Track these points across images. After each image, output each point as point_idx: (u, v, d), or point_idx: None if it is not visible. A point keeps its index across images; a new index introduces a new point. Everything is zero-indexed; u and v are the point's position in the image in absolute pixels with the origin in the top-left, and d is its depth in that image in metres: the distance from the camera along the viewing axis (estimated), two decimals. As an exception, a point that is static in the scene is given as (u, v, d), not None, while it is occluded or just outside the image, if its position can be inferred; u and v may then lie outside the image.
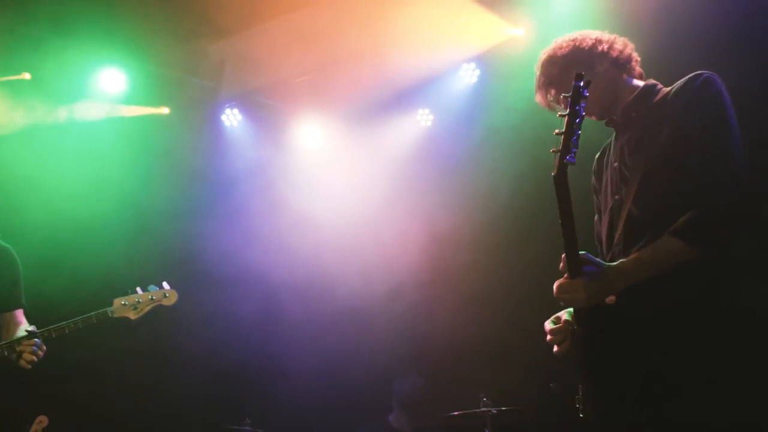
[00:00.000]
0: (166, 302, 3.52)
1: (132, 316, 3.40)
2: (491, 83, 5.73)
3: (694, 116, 1.92)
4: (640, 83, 2.20)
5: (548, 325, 2.14)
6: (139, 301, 3.42)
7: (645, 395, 1.84)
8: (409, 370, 5.28)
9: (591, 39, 2.18)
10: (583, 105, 1.82)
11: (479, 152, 5.61)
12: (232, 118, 6.37)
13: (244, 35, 5.58)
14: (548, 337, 2.12)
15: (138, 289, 3.47)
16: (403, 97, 6.08)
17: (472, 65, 5.82)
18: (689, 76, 2.02)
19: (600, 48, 2.16)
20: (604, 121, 2.24)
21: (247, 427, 4.98)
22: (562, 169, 1.83)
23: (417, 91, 6.06)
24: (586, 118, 1.91)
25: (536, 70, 2.27)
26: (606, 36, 2.21)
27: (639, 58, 2.24)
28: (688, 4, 4.25)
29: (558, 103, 2.19)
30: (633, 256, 1.91)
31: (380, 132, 6.27)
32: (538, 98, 2.28)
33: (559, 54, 2.19)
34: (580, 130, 1.81)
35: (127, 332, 3.82)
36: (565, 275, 1.91)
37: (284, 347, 5.54)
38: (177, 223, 5.60)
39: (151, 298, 3.45)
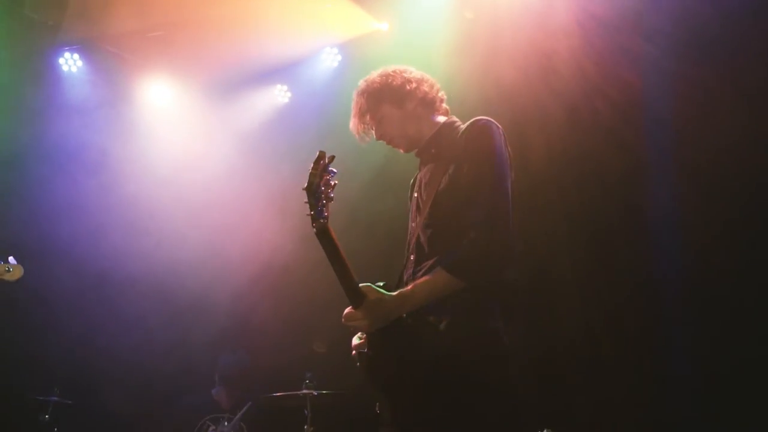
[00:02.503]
0: (8, 277, 3.26)
1: None
2: (352, 70, 5.76)
3: (467, 160, 2.17)
4: (443, 120, 2.41)
5: (355, 340, 2.32)
6: None
7: (425, 404, 2.07)
8: (237, 346, 5.23)
9: (401, 78, 2.38)
10: (328, 178, 2.05)
11: (332, 135, 5.62)
12: (71, 62, 5.85)
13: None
14: (353, 352, 2.30)
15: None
16: (261, 70, 5.95)
17: (335, 50, 5.83)
18: (471, 121, 2.27)
19: (408, 87, 2.36)
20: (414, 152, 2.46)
21: (54, 397, 4.68)
22: (320, 226, 2.03)
23: (277, 66, 5.96)
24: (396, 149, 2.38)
25: (354, 98, 2.44)
26: (414, 75, 2.41)
27: (444, 97, 2.46)
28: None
29: (371, 128, 2.40)
30: (411, 286, 2.12)
31: (234, 101, 6.11)
32: (353, 124, 2.43)
33: (372, 88, 2.38)
34: (331, 194, 2.05)
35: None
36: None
37: (105, 318, 5.27)
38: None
39: None
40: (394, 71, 2.41)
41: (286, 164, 5.60)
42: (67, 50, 5.80)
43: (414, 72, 2.42)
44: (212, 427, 4.80)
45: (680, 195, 3.85)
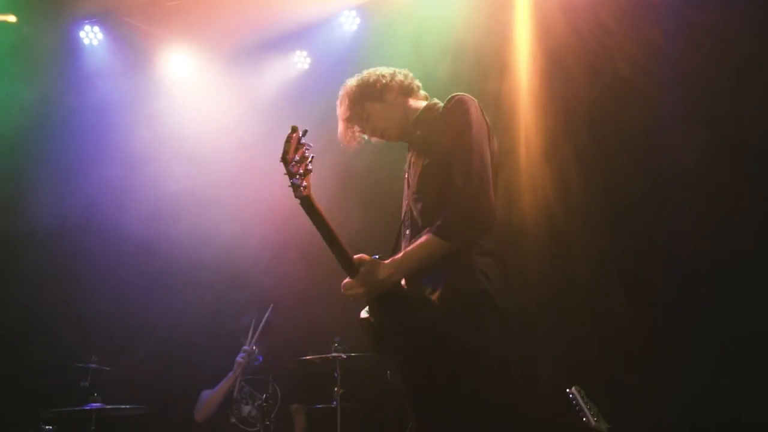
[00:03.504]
0: None
1: None
2: (370, 33, 5.71)
3: (446, 135, 2.32)
4: (423, 104, 2.57)
5: (363, 314, 2.42)
6: None
7: (430, 366, 2.19)
8: (250, 307, 5.33)
9: (375, 75, 2.57)
10: (303, 151, 2.15)
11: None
12: (91, 36, 5.89)
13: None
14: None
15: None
16: (280, 36, 5.92)
17: (353, 13, 5.77)
18: (448, 98, 2.41)
19: (384, 81, 2.54)
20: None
21: (93, 365, 4.85)
22: (301, 197, 2.12)
23: (296, 32, 5.93)
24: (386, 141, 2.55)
25: (338, 108, 2.62)
26: (387, 70, 2.59)
27: (420, 84, 2.61)
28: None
29: (364, 133, 2.58)
30: (401, 253, 2.25)
31: (254, 69, 6.09)
32: (341, 130, 2.60)
33: (352, 92, 2.56)
34: (309, 166, 2.14)
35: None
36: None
37: (140, 289, 5.42)
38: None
39: None
40: (367, 72, 2.60)
41: (311, 131, 5.59)
42: (87, 23, 5.82)
43: (386, 68, 2.61)
44: (242, 354, 4.92)
45: (701, 153, 3.78)
